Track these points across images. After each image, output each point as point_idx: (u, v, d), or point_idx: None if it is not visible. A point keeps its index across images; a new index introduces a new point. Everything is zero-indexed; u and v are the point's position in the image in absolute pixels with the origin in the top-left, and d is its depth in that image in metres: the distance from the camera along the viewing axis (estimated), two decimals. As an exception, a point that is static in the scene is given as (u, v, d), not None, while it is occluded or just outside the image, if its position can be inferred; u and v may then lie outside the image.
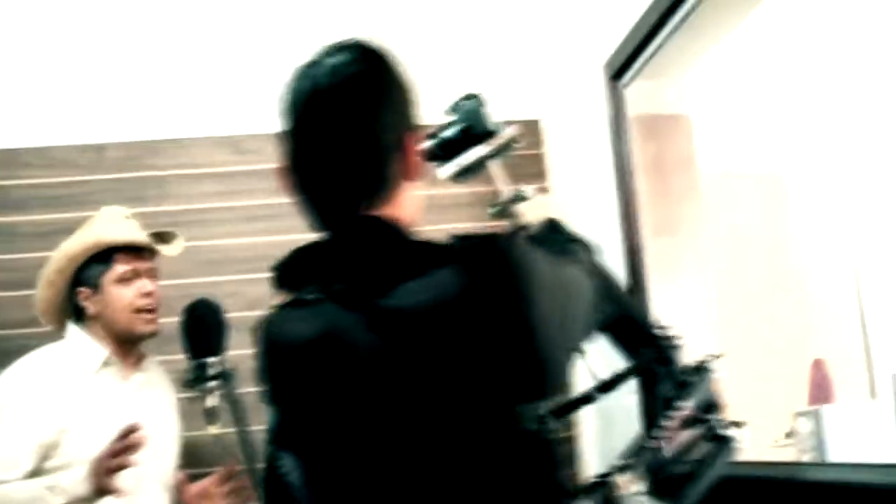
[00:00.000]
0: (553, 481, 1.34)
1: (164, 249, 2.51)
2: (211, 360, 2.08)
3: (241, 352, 2.71)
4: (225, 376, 2.07)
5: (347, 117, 1.34)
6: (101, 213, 2.53)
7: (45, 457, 2.27)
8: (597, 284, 1.52)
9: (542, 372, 1.28)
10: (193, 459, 2.67)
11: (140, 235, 2.47)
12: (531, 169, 3.25)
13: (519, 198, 1.84)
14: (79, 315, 2.46)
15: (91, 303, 2.41)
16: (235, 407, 2.04)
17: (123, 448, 2.06)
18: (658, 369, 1.72)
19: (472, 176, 1.83)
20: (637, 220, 2.60)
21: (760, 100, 3.28)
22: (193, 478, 2.63)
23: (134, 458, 2.08)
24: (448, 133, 1.79)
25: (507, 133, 1.80)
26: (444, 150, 1.79)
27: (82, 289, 2.41)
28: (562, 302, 1.34)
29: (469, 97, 1.81)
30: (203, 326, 2.13)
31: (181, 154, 3.10)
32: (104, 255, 2.41)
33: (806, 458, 2.57)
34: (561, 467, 1.36)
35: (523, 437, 1.30)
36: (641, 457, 1.58)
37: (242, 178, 3.10)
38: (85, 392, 2.35)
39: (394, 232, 1.36)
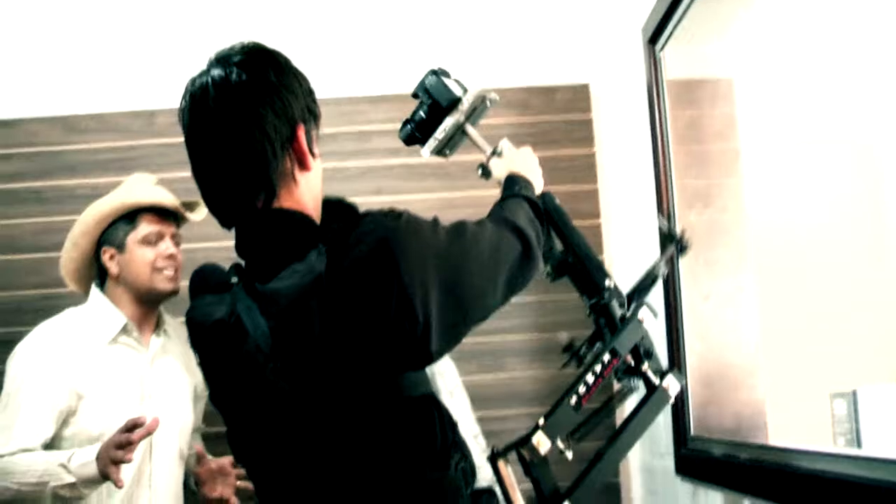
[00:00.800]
0: (436, 445, 1.40)
1: (188, 214, 2.55)
2: None
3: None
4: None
5: (227, 130, 1.42)
6: (130, 179, 2.57)
7: (63, 423, 2.33)
8: (526, 248, 1.52)
9: (415, 340, 1.30)
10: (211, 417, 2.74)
11: (167, 198, 2.51)
12: (580, 133, 3.21)
13: (496, 154, 1.87)
14: (102, 277, 2.51)
15: (114, 263, 2.46)
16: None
17: (127, 441, 2.10)
18: (599, 320, 1.75)
19: (454, 146, 1.88)
20: (671, 188, 2.53)
21: (811, 60, 3.12)
22: (212, 436, 2.71)
23: (134, 454, 2.13)
24: (419, 114, 1.84)
25: (473, 95, 1.82)
26: (421, 131, 1.84)
27: (107, 248, 2.46)
28: (451, 270, 1.36)
29: (428, 74, 1.84)
30: (207, 291, 2.14)
31: (227, 119, 3.14)
32: (130, 216, 2.46)
33: (840, 443, 2.47)
34: (449, 432, 1.43)
35: (406, 403, 1.38)
36: (558, 416, 1.60)
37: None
38: (102, 359, 2.40)
39: (282, 221, 1.45)
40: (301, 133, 1.46)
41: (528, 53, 3.28)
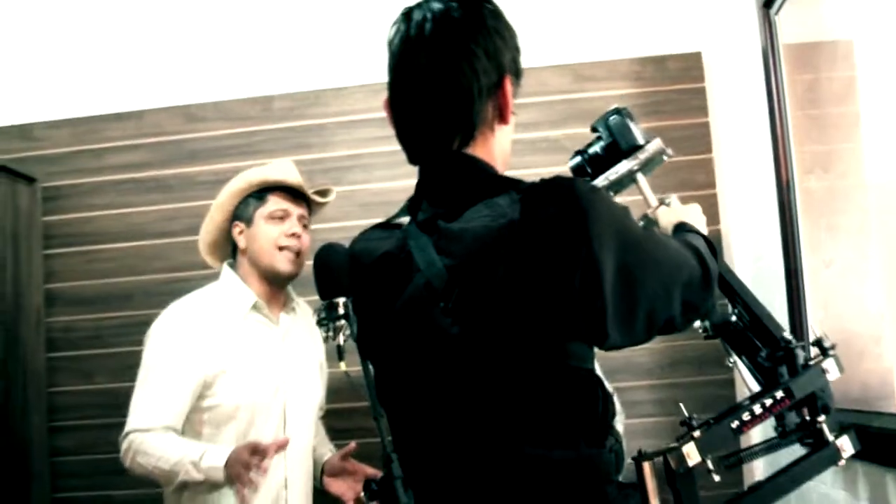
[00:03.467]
0: (595, 421, 1.35)
1: (316, 197, 2.60)
2: (339, 300, 2.14)
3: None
4: (351, 317, 2.12)
5: (440, 62, 1.41)
6: (273, 161, 2.66)
7: (201, 397, 2.41)
8: (706, 273, 1.47)
9: (593, 312, 1.27)
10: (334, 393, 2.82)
11: (292, 177, 2.55)
12: (693, 103, 3.17)
13: (664, 204, 1.85)
14: (234, 253, 2.59)
15: (243, 237, 2.53)
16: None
17: (256, 464, 2.19)
18: (779, 369, 1.68)
19: (621, 189, 1.85)
20: (788, 154, 2.48)
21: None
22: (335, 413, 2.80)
23: (270, 428, 2.24)
24: (595, 149, 1.83)
25: (655, 146, 1.80)
26: (592, 166, 1.83)
27: (237, 222, 2.54)
28: (635, 260, 1.33)
29: (615, 112, 1.81)
30: (330, 269, 2.18)
31: (342, 102, 3.21)
32: (261, 194, 2.53)
33: None
34: (610, 411, 1.38)
35: (572, 373, 1.33)
36: (715, 433, 1.55)
37: (400, 124, 3.16)
38: (235, 335, 2.46)
39: (471, 166, 1.43)
40: (508, 83, 1.44)
41: (639, 23, 3.24)
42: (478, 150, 1.43)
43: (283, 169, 2.58)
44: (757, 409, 1.57)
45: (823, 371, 1.65)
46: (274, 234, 2.50)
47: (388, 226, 1.51)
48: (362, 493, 2.48)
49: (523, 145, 3.11)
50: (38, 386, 3.21)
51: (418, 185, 1.48)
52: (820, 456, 1.63)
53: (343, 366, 2.11)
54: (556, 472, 1.33)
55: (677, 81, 3.19)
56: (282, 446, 2.23)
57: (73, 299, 3.28)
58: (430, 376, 1.39)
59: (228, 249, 2.62)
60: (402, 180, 3.10)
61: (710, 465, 1.52)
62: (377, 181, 3.17)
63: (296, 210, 2.56)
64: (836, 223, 2.44)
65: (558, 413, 1.33)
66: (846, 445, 1.63)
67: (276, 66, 3.28)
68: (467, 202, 1.37)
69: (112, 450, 2.93)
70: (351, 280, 1.55)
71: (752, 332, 1.77)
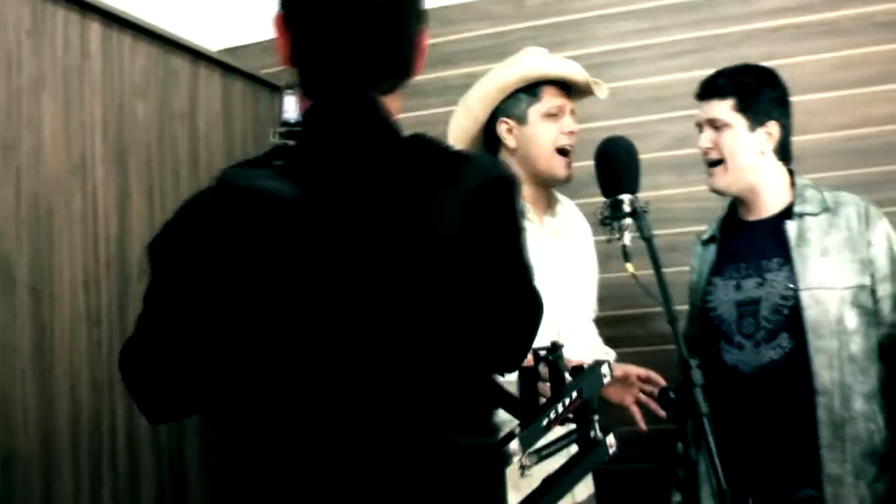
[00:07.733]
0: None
1: (596, 91, 2.40)
2: (624, 197, 1.99)
3: (665, 192, 2.67)
4: (638, 214, 1.98)
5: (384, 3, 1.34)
6: (525, 52, 2.45)
7: None
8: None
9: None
10: (615, 300, 2.74)
11: (578, 72, 2.35)
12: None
13: None
14: (492, 149, 2.41)
15: (512, 136, 2.35)
16: (649, 245, 1.94)
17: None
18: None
19: None
20: None
21: None
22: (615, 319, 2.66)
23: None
24: None
25: None
26: None
27: (506, 119, 2.35)
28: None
29: None
30: (614, 164, 2.04)
31: (598, -6, 3.06)
32: (532, 89, 2.33)
33: None
34: None
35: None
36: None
37: (663, 14, 3.01)
38: None
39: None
40: (424, 36, 1.46)
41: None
42: (388, 102, 1.46)
43: (560, 61, 2.40)
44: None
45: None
46: (553, 135, 2.31)
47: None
48: (639, 395, 2.35)
49: (799, 30, 2.94)
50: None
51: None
52: (595, 453, 1.60)
53: (630, 267, 1.98)
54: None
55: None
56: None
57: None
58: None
59: (479, 146, 2.44)
60: (669, 74, 2.95)
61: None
62: (640, 77, 3.05)
63: (568, 104, 2.36)
64: None
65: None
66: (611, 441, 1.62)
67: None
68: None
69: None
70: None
71: None
